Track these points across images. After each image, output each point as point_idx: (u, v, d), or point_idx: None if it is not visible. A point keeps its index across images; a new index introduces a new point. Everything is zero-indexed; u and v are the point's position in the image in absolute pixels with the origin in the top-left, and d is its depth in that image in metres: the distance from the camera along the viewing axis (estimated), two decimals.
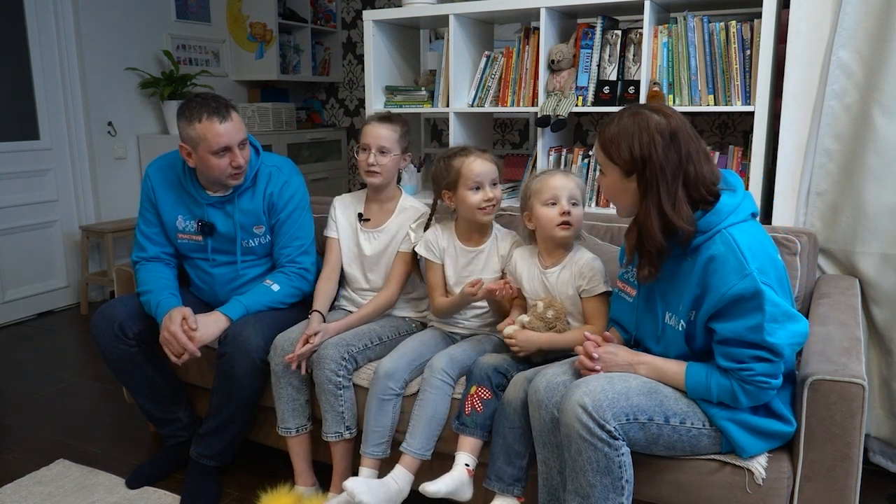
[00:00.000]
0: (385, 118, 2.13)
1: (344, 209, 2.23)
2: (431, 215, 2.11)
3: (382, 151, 2.08)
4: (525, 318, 1.84)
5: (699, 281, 1.46)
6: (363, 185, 2.22)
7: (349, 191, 2.54)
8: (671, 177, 1.45)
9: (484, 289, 1.84)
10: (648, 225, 1.46)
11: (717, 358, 1.48)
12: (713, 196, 1.49)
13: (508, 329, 1.83)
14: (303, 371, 1.95)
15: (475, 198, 1.93)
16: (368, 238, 2.17)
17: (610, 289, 1.83)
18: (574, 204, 1.82)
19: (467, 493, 1.74)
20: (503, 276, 2.00)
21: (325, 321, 2.04)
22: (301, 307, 2.17)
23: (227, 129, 1.98)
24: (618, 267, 1.80)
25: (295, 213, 2.17)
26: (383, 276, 2.16)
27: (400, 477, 1.80)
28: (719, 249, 1.43)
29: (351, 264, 2.20)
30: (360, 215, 2.19)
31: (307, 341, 1.93)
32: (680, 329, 1.52)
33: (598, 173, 1.62)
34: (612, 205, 2.56)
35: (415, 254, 2.11)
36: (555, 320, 1.83)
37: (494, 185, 1.95)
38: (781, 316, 1.41)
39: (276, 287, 2.11)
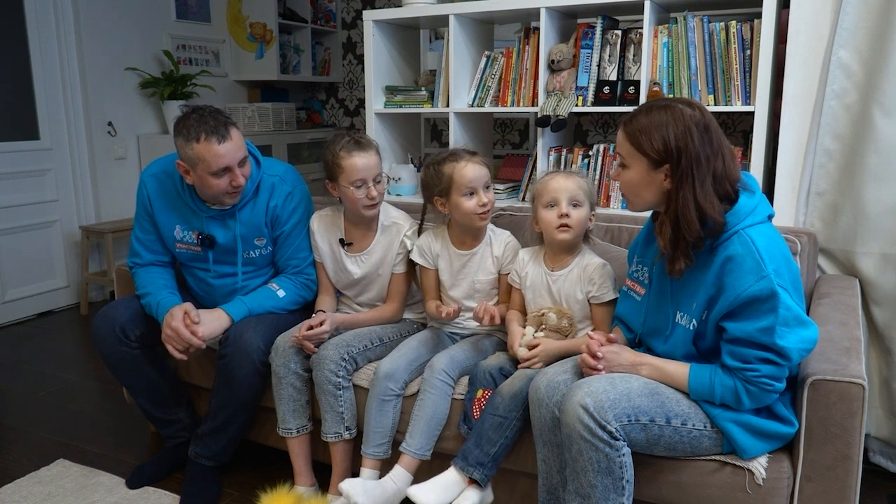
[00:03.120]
0: (362, 145, 2.00)
1: (322, 232, 2.14)
2: (422, 221, 2.10)
3: (377, 180, 2.02)
4: (540, 333, 1.82)
5: (715, 280, 1.46)
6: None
7: None
8: (705, 168, 1.45)
9: (450, 311, 1.87)
10: (687, 215, 1.44)
11: (724, 356, 1.48)
12: (735, 194, 1.49)
13: (522, 351, 1.79)
14: (311, 350, 1.94)
15: (470, 204, 1.91)
16: (356, 262, 2.11)
17: (618, 295, 1.83)
18: (575, 205, 1.80)
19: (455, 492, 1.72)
20: (499, 276, 2.00)
21: None
22: (303, 311, 2.17)
23: (227, 150, 1.90)
24: (625, 270, 1.79)
25: (300, 226, 2.14)
26: (377, 292, 2.15)
27: (399, 477, 1.80)
28: (737, 250, 1.43)
29: (338, 283, 2.17)
30: (341, 241, 2.12)
31: (310, 328, 1.93)
32: (691, 328, 1.52)
33: (616, 167, 1.59)
34: (612, 202, 2.58)
35: (411, 262, 2.10)
36: (570, 327, 1.83)
37: (487, 188, 1.94)
38: (793, 320, 1.41)
39: (281, 293, 2.10)
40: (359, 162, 1.97)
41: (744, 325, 1.42)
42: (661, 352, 1.61)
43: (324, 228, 2.15)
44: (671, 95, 2.41)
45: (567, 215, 1.78)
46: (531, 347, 1.77)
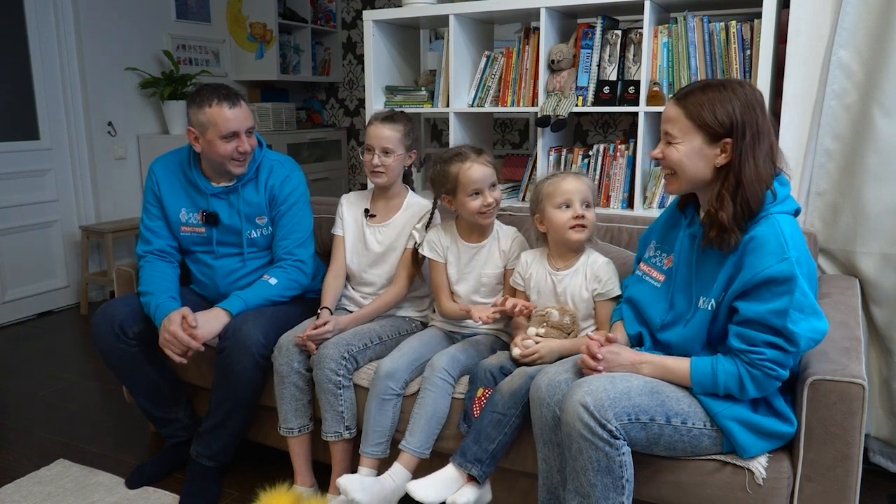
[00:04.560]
0: (388, 118, 2.13)
1: (350, 206, 2.25)
2: (432, 216, 2.11)
3: (386, 152, 2.09)
4: (541, 330, 1.83)
5: (736, 260, 1.47)
6: (364, 186, 2.23)
7: (349, 190, 2.55)
8: (766, 142, 1.48)
9: (490, 314, 1.84)
10: (754, 185, 1.46)
11: (730, 338, 1.48)
12: (776, 175, 1.51)
13: (528, 342, 1.79)
14: (313, 351, 1.95)
15: (474, 203, 1.94)
16: (374, 232, 2.18)
17: (621, 292, 1.83)
18: (587, 206, 1.83)
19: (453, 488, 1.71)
20: (505, 271, 2.01)
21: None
22: (301, 302, 2.18)
23: (237, 115, 2.05)
24: (625, 270, 1.79)
25: (295, 207, 2.19)
26: (387, 274, 2.16)
27: (398, 474, 1.81)
28: (762, 231, 1.45)
29: (353, 258, 2.20)
30: (366, 211, 2.20)
31: (315, 328, 1.95)
32: (709, 310, 1.52)
33: (660, 146, 1.57)
34: (612, 202, 2.58)
35: (417, 253, 2.11)
36: (572, 325, 1.83)
37: (493, 187, 1.96)
38: (808, 308, 1.41)
39: (273, 281, 2.12)
40: (375, 131, 2.10)
41: (757, 306, 1.42)
42: (679, 336, 1.60)
43: (352, 203, 2.25)
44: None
45: (583, 216, 1.82)
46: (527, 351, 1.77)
